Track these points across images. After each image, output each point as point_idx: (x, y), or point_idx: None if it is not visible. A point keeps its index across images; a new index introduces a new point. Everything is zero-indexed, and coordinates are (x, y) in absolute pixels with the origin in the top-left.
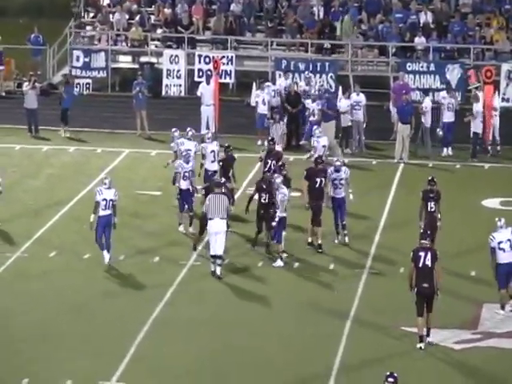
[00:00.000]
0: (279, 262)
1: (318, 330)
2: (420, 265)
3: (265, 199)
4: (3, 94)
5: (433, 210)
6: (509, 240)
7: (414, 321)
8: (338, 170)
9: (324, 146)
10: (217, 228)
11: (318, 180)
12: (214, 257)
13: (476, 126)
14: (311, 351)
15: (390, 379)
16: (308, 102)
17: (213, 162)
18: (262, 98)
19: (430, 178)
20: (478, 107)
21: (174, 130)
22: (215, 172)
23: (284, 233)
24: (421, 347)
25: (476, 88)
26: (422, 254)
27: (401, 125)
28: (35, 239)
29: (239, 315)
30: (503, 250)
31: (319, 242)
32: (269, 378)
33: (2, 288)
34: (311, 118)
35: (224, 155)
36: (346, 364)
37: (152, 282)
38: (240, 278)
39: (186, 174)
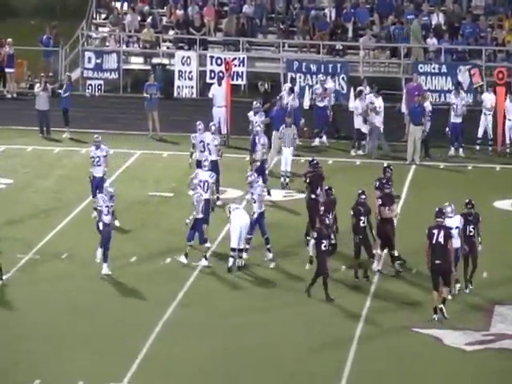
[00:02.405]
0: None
1: (330, 330)
2: (434, 242)
3: (363, 222)
4: (15, 95)
5: (472, 234)
6: (457, 227)
7: (425, 322)
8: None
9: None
10: (244, 221)
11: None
12: (234, 250)
13: (427, 126)
14: (323, 352)
15: None
16: (251, 115)
17: (202, 152)
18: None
19: (467, 201)
20: (428, 107)
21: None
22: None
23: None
24: (434, 318)
25: (480, 87)
26: (435, 231)
27: (413, 126)
28: (46, 241)
29: (250, 316)
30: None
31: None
32: (280, 378)
33: (13, 289)
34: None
35: (311, 170)
36: (357, 365)
37: (164, 283)
38: (251, 280)
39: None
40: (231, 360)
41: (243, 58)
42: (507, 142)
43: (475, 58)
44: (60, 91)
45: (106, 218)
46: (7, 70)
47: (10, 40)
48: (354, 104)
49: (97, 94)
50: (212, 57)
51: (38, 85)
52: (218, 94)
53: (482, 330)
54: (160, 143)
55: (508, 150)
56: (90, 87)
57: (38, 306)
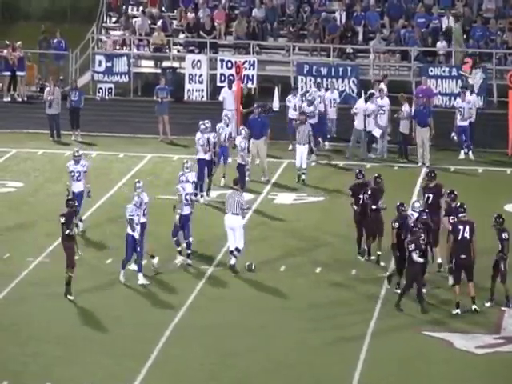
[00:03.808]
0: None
1: (340, 333)
2: (459, 237)
3: (423, 239)
4: (25, 98)
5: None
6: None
7: (435, 325)
8: None
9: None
10: (230, 223)
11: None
12: (231, 251)
13: (403, 127)
14: (332, 354)
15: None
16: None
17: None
18: (293, 104)
19: (459, 204)
20: (406, 107)
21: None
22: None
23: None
24: (457, 313)
25: (466, 78)
26: (461, 227)
27: (419, 128)
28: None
29: (261, 319)
30: None
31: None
32: (289, 380)
33: (25, 292)
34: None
35: (373, 184)
36: (367, 367)
37: (173, 287)
38: (260, 283)
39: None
40: (241, 363)
41: (253, 61)
42: None
43: (486, 61)
44: (74, 96)
45: (137, 228)
46: (18, 73)
47: (19, 43)
48: (363, 106)
49: (107, 97)
50: (222, 60)
51: (48, 88)
52: (228, 97)
53: (492, 334)
54: (170, 146)
55: None
56: (100, 90)
57: (48, 309)
